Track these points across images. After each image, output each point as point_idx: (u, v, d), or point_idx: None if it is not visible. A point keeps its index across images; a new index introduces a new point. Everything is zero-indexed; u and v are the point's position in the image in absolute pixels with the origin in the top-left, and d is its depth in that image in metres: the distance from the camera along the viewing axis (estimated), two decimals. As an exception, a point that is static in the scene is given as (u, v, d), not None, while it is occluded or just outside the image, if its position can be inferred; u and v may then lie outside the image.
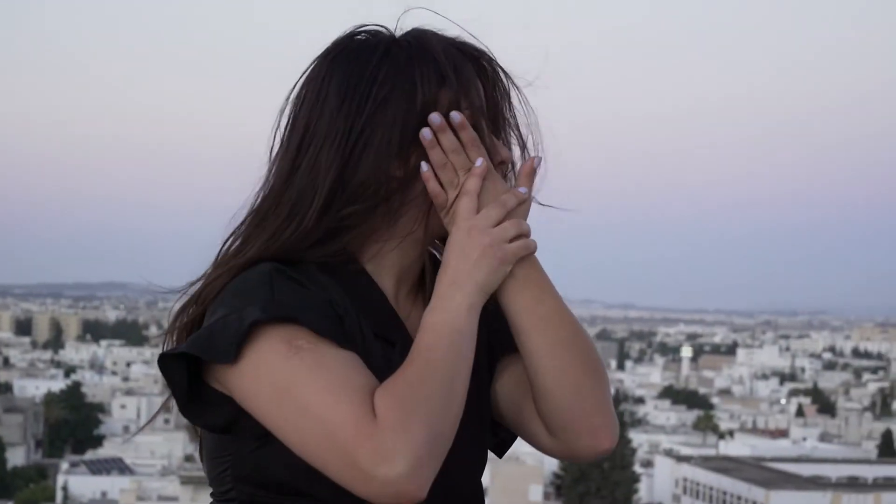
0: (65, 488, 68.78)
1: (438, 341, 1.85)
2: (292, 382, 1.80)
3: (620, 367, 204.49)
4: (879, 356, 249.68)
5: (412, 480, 1.76)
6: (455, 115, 1.92)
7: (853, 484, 72.18)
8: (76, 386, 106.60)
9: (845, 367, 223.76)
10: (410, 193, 1.95)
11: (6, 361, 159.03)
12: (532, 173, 2.00)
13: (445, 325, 1.87)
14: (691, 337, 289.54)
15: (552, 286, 1.98)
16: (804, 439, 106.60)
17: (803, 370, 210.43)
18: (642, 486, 76.63)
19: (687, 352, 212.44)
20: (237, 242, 1.98)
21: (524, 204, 1.97)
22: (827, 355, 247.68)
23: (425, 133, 1.92)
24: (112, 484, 69.25)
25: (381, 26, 2.02)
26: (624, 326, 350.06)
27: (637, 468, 74.87)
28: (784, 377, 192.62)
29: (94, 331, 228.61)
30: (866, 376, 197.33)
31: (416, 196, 1.96)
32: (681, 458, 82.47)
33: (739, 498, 69.94)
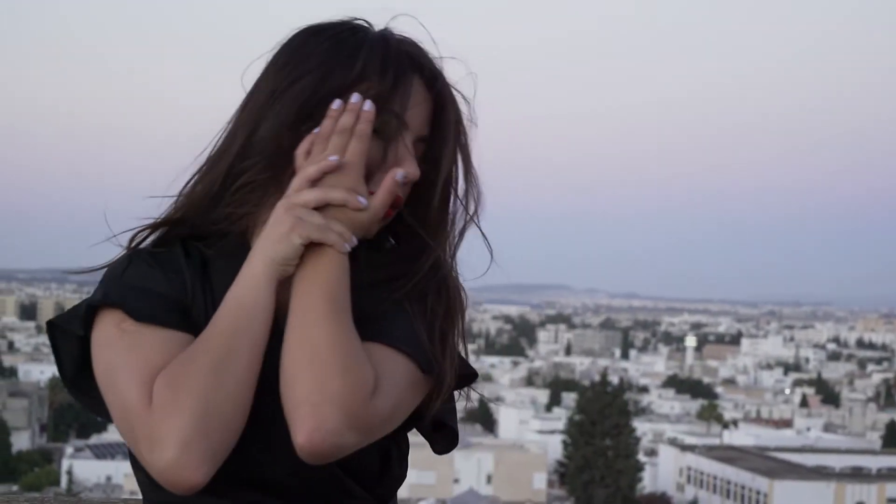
0: (69, 472, 68.71)
1: (221, 315, 1.85)
2: (112, 364, 1.84)
3: (625, 356, 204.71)
4: (884, 347, 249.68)
5: (182, 465, 1.73)
6: (367, 105, 1.90)
7: (857, 474, 72.19)
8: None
9: (850, 357, 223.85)
10: (290, 168, 1.93)
11: (11, 346, 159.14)
12: (390, 188, 1.91)
13: (233, 299, 1.86)
14: (696, 326, 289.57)
15: (336, 284, 1.87)
16: (808, 429, 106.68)
17: (807, 360, 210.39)
18: (646, 475, 76.62)
19: (691, 341, 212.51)
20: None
21: (361, 213, 1.90)
22: (831, 346, 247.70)
23: (335, 102, 1.90)
24: (117, 468, 69.30)
25: (367, 22, 2.00)
26: (628, 316, 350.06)
27: (641, 457, 74.82)
28: (788, 367, 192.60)
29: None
30: (870, 367, 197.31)
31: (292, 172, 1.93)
32: (685, 448, 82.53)
33: (743, 487, 69.98)
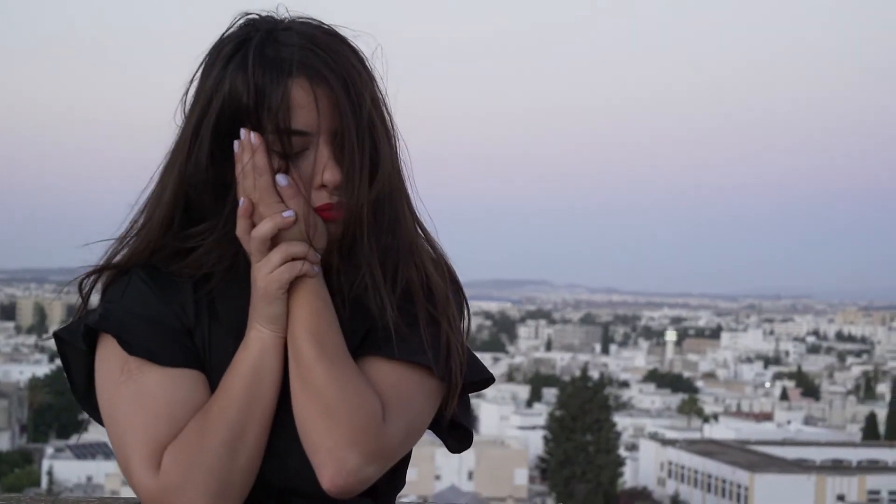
0: (50, 473, 68.56)
1: (235, 383, 1.87)
2: (116, 407, 1.87)
3: (605, 351, 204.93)
4: (863, 340, 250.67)
5: None
6: (253, 137, 1.86)
7: (837, 467, 72.40)
8: (61, 371, 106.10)
9: (829, 350, 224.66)
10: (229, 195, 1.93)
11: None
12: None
13: (245, 365, 1.88)
14: (676, 321, 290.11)
15: (317, 319, 1.88)
16: (788, 422, 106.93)
17: (787, 354, 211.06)
18: (627, 470, 76.80)
19: (671, 336, 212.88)
20: (134, 231, 1.99)
21: (298, 224, 1.86)
22: (811, 339, 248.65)
23: (235, 145, 1.88)
24: (97, 468, 69.17)
25: (259, 16, 1.94)
26: (608, 311, 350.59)
27: (622, 452, 74.97)
28: (768, 361, 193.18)
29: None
30: (850, 360, 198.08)
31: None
32: (665, 442, 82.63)
33: (724, 481, 70.12)
